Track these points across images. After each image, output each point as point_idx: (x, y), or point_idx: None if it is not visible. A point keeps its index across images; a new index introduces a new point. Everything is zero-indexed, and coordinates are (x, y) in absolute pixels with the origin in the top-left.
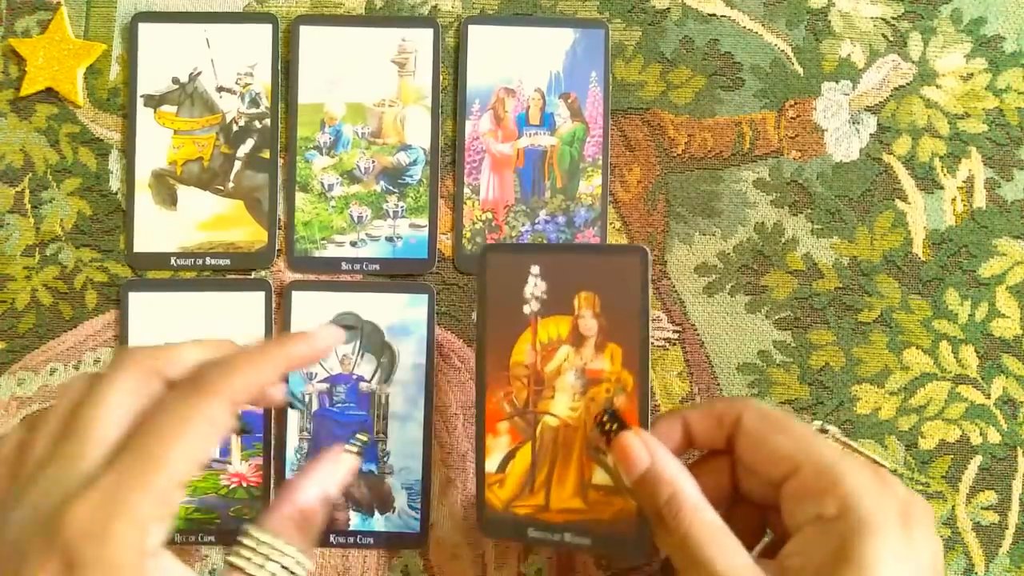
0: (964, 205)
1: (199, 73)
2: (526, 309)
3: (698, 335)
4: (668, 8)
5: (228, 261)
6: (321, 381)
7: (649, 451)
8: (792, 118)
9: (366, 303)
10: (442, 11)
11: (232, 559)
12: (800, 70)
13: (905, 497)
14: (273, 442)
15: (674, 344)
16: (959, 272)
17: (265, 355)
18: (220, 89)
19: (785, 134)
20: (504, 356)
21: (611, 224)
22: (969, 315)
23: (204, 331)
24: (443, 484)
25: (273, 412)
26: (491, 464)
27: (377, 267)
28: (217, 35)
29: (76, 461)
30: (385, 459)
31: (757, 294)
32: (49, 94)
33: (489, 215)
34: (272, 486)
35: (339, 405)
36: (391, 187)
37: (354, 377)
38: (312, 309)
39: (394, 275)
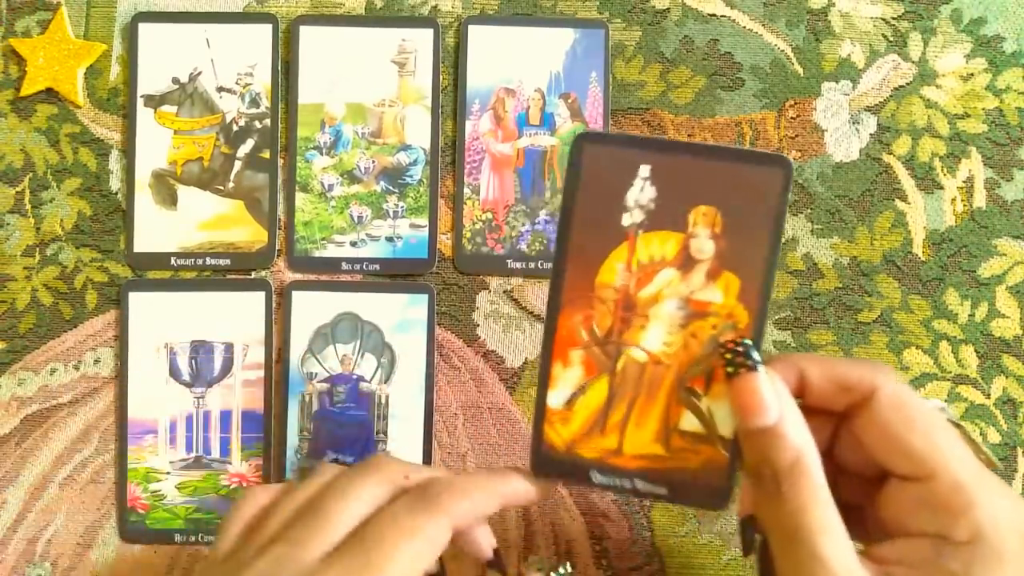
0: (964, 205)
1: (199, 73)
2: (625, 219)
3: None
4: (668, 8)
5: (228, 261)
6: (321, 381)
7: (780, 403)
8: (792, 118)
9: (366, 303)
10: (442, 11)
11: None
12: (800, 70)
13: None
14: (274, 442)
15: None
16: (959, 272)
17: (489, 485)
18: (220, 89)
19: (785, 134)
20: (589, 273)
21: None
22: (969, 315)
23: (204, 331)
24: None
25: (273, 412)
26: (555, 398)
27: (377, 267)
28: (217, 35)
29: (302, 548)
30: None
31: None
32: (49, 94)
33: (489, 215)
34: None
35: (339, 405)
36: (391, 187)
37: (354, 377)
38: (312, 309)
39: (394, 275)
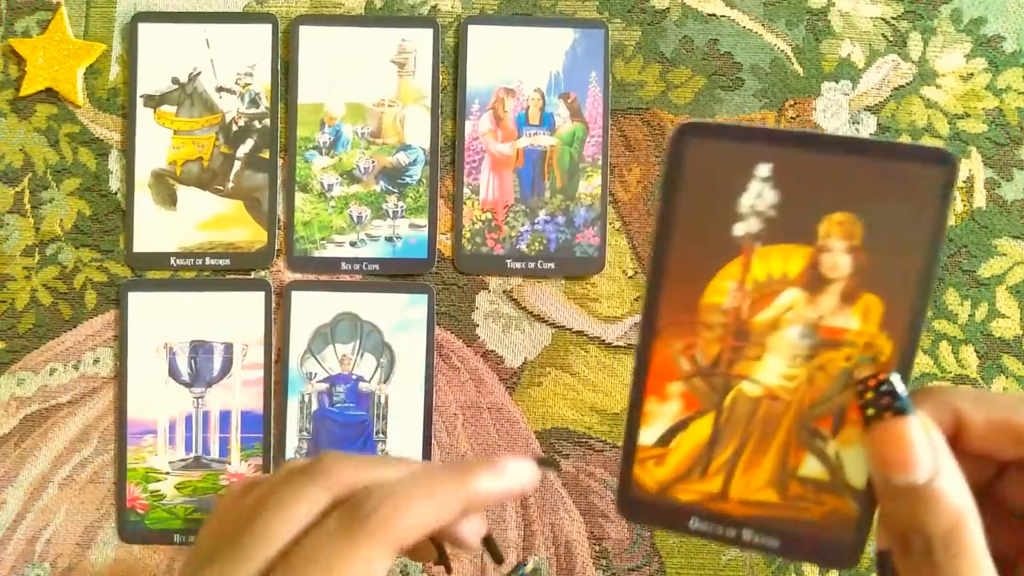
0: (964, 205)
1: (199, 73)
2: (739, 229)
3: None
4: (668, 8)
5: (228, 261)
6: (321, 381)
7: (936, 456)
8: (792, 118)
9: (366, 303)
10: (442, 11)
11: None
12: (800, 70)
13: None
14: (273, 442)
15: None
16: (959, 272)
17: (443, 487)
18: (220, 89)
19: None
20: (693, 293)
21: (611, 224)
22: (969, 315)
23: (204, 331)
24: None
25: (272, 412)
26: (649, 435)
27: (377, 267)
28: (217, 35)
29: (230, 571)
30: None
31: None
32: (49, 94)
33: (489, 215)
34: None
35: (339, 405)
36: (391, 187)
37: (354, 377)
38: (312, 309)
39: (394, 275)
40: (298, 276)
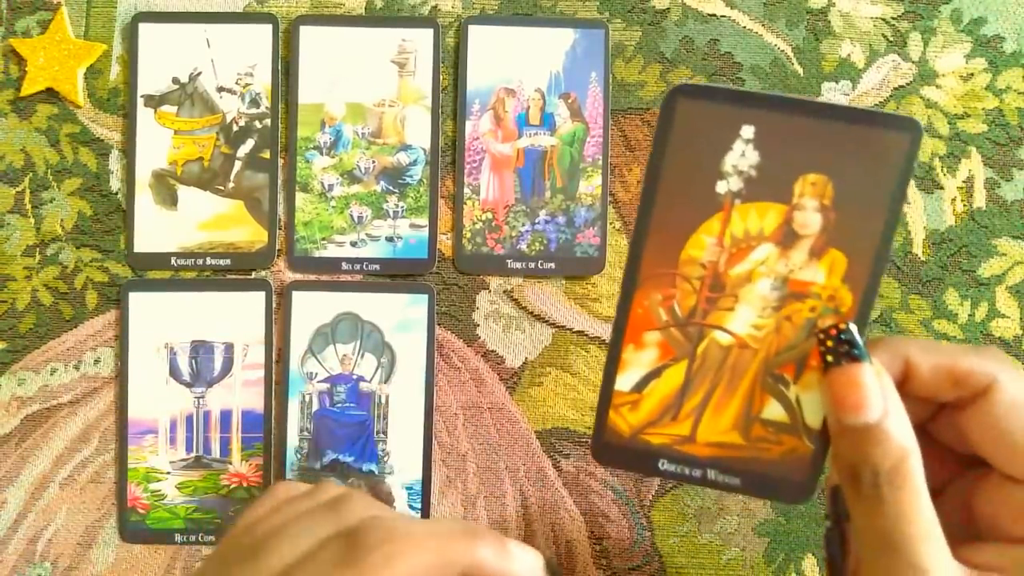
0: (964, 205)
1: (199, 73)
2: (721, 187)
3: None
4: (668, 8)
5: (228, 261)
6: (321, 381)
7: (885, 399)
8: None
9: (366, 303)
10: (442, 11)
11: None
12: (800, 70)
13: None
14: (274, 442)
15: None
16: (959, 272)
17: (448, 544)
18: (220, 89)
19: None
20: (673, 247)
21: (611, 224)
22: (969, 315)
23: (204, 331)
24: (443, 484)
25: (273, 412)
26: (625, 381)
27: (377, 267)
28: (217, 35)
29: None
30: (385, 459)
31: None
32: (49, 94)
33: (489, 215)
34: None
35: (339, 405)
36: (391, 187)
37: (354, 377)
38: (312, 309)
39: (394, 275)
40: (299, 276)
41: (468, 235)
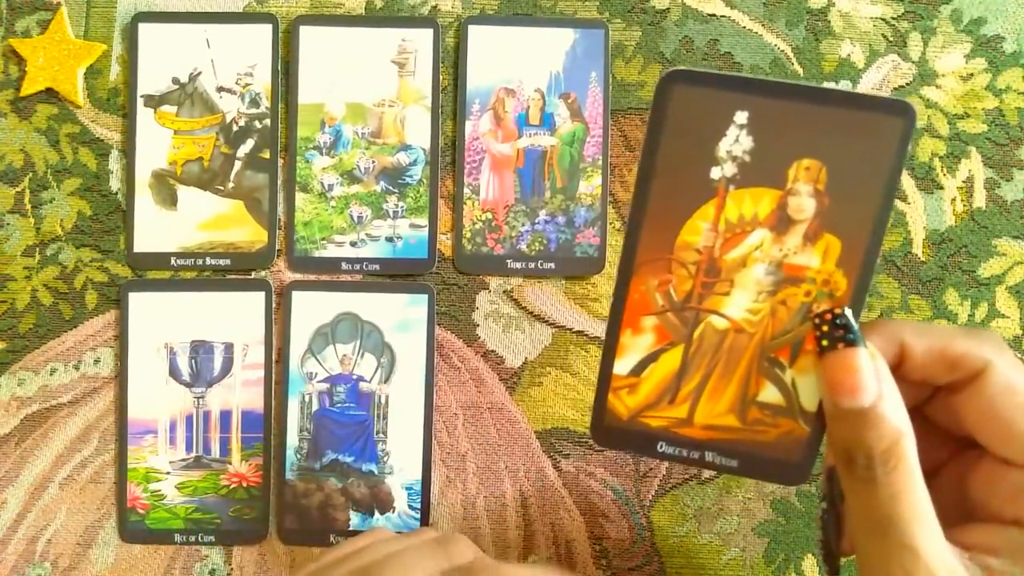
0: (964, 205)
1: (199, 73)
2: (715, 173)
3: None
4: (668, 8)
5: (228, 261)
6: (321, 381)
7: (879, 382)
8: None
9: (366, 303)
10: (442, 11)
11: None
12: (800, 70)
13: None
14: (274, 442)
15: None
16: (959, 272)
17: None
18: (220, 89)
19: None
20: (669, 233)
21: (611, 224)
22: (969, 315)
23: (204, 331)
24: (443, 484)
25: (273, 412)
26: (623, 365)
27: (377, 267)
28: (217, 35)
29: None
30: (385, 459)
31: None
32: (49, 94)
33: (489, 215)
34: (272, 486)
35: (339, 405)
36: (391, 187)
37: (354, 377)
38: (312, 309)
39: (394, 275)
40: (298, 276)
41: (468, 235)
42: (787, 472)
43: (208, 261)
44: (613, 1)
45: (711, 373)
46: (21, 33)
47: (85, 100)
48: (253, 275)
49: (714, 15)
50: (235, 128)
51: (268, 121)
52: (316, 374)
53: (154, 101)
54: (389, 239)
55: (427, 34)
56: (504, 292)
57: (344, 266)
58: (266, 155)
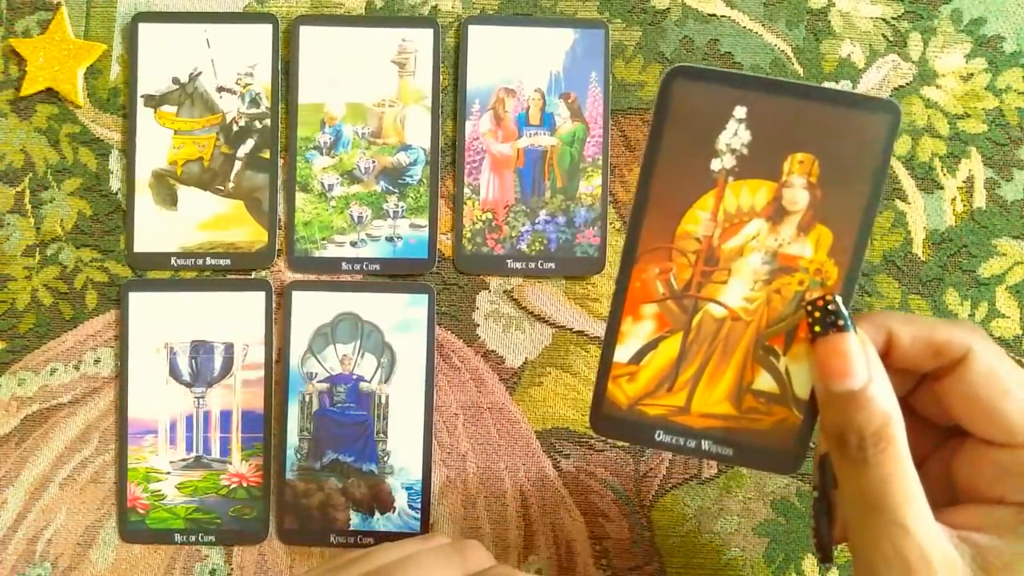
0: (964, 205)
1: (199, 73)
2: (715, 164)
3: None
4: (668, 8)
5: (228, 261)
6: (321, 381)
7: (869, 367)
8: None
9: (366, 303)
10: (442, 11)
11: None
12: (800, 70)
13: None
14: (273, 442)
15: None
16: (959, 272)
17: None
18: (220, 89)
19: None
20: (670, 223)
21: (611, 224)
22: (969, 315)
23: (204, 331)
24: (443, 484)
25: (273, 412)
26: (623, 353)
27: (377, 267)
28: (217, 35)
29: None
30: (385, 459)
31: None
32: (49, 94)
33: (489, 215)
34: (272, 486)
35: (339, 405)
36: (391, 187)
37: (354, 377)
38: (312, 309)
39: (394, 275)
40: (299, 276)
41: (468, 235)
42: (780, 461)
43: (208, 261)
44: (613, 1)
45: (708, 361)
46: (21, 33)
47: (85, 100)
48: (253, 275)
49: (714, 15)
50: (235, 128)
51: (268, 121)
52: (316, 374)
53: (154, 101)
54: (389, 239)
55: (427, 34)
56: (504, 292)
57: (344, 266)
58: (266, 155)
